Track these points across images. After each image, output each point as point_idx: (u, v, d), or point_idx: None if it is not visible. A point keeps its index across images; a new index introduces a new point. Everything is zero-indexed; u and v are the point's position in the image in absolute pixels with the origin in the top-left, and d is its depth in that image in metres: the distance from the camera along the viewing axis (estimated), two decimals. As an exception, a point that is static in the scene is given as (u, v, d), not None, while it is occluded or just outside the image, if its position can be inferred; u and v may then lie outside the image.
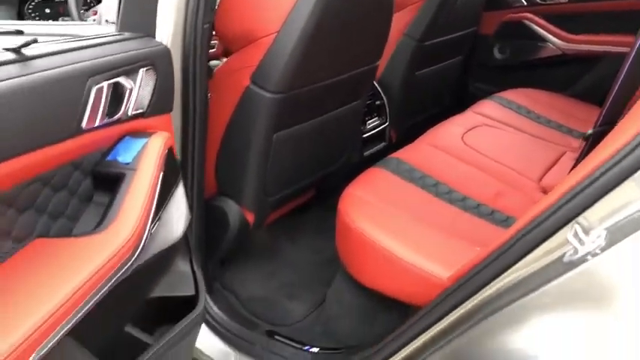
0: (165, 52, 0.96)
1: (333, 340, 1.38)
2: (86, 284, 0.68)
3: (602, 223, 0.74)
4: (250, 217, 1.44)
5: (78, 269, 0.68)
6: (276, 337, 1.35)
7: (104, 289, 0.72)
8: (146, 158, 0.83)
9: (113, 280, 0.73)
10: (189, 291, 1.09)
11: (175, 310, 1.05)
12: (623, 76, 1.18)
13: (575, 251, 0.77)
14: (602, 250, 0.74)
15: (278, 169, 1.43)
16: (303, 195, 1.74)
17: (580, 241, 0.77)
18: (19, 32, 0.88)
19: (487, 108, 1.93)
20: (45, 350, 0.62)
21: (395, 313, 1.25)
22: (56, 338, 0.63)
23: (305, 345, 1.33)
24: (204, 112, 1.19)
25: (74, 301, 0.66)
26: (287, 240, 1.76)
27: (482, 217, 1.32)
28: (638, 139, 0.73)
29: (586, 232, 0.77)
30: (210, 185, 1.42)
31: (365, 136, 1.94)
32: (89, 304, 0.69)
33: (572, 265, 0.78)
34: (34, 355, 0.61)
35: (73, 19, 1.67)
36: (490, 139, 1.71)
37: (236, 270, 1.59)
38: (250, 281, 1.57)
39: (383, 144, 2.04)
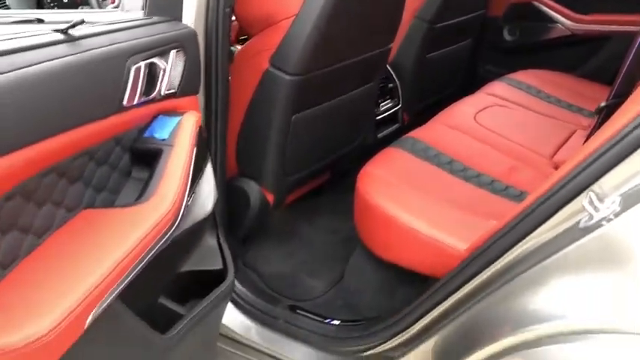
0: (193, 35, 1.00)
1: (353, 313, 1.42)
2: (133, 251, 0.73)
3: (617, 190, 0.77)
4: (270, 198, 1.48)
5: (125, 237, 0.73)
6: (299, 311, 1.40)
7: (148, 257, 0.77)
8: (181, 135, 0.88)
9: (156, 249, 0.78)
10: (218, 265, 1.14)
11: (204, 284, 1.10)
12: (634, 51, 1.21)
13: (591, 217, 0.80)
14: (616, 215, 0.77)
15: (296, 151, 1.46)
16: (319, 177, 1.78)
17: (595, 207, 0.80)
18: (40, 21, 0.92)
19: (498, 89, 1.96)
20: (100, 310, 0.67)
21: (414, 285, 1.29)
22: (111, 298, 0.68)
23: (326, 318, 1.38)
24: (226, 95, 1.22)
25: (123, 266, 0.71)
26: (304, 221, 1.80)
27: (496, 193, 1.36)
28: (652, 106, 0.76)
29: (600, 199, 0.80)
30: (232, 167, 1.46)
31: (378, 118, 1.97)
32: (136, 270, 0.74)
33: (588, 230, 0.81)
34: (93, 311, 0.66)
35: (92, 8, 1.71)
36: (502, 119, 1.74)
37: (256, 249, 1.63)
38: (271, 260, 1.62)
39: (396, 126, 2.07)
